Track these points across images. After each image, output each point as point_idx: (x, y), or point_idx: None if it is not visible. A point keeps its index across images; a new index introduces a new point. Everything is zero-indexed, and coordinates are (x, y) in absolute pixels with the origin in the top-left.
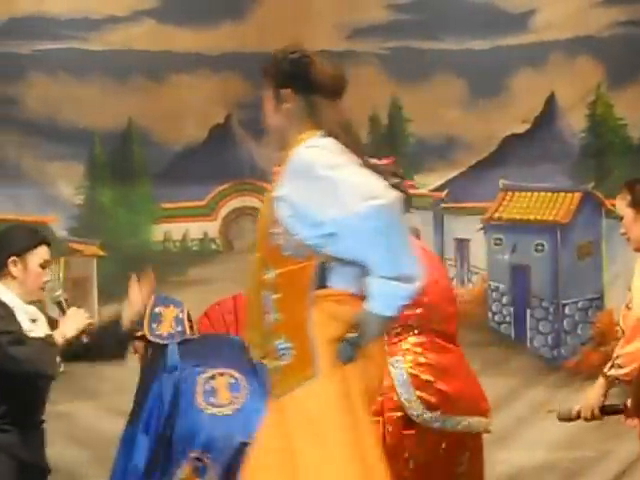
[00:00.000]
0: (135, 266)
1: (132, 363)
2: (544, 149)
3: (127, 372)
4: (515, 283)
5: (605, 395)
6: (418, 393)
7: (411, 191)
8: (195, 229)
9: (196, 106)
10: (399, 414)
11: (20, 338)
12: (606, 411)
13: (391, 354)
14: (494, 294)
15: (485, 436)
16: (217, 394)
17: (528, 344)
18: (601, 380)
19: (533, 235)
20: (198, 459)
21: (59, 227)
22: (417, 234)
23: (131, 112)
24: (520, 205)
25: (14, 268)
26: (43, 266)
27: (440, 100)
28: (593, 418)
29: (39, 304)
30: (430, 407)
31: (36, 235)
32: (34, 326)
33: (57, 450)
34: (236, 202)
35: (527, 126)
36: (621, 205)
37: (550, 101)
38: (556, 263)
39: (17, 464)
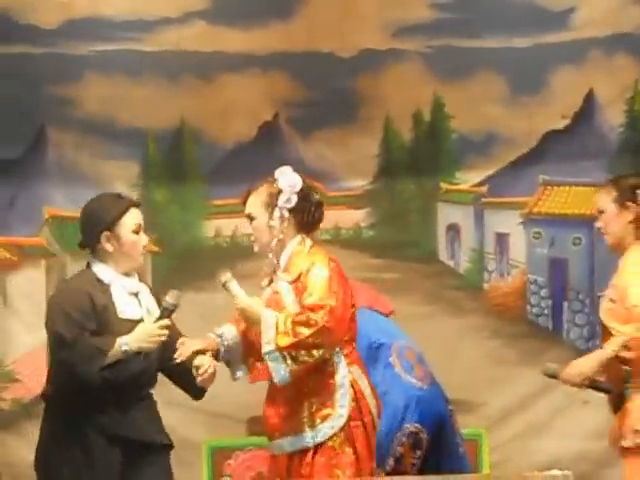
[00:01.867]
0: (188, 261)
1: None
2: (583, 144)
3: None
4: (553, 276)
5: (598, 369)
6: None
7: (452, 187)
8: (244, 225)
9: (245, 105)
10: None
11: (68, 341)
12: (596, 386)
13: None
14: (532, 287)
15: (522, 426)
16: (413, 368)
17: (564, 336)
18: (602, 353)
19: (571, 229)
20: (414, 432)
21: None
22: (457, 229)
23: (183, 111)
24: (559, 200)
25: (107, 243)
26: (136, 231)
27: (481, 97)
28: (575, 383)
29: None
30: None
31: (121, 202)
32: (132, 300)
33: None
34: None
35: (566, 122)
36: (605, 200)
37: (589, 97)
38: (593, 256)
39: (120, 442)
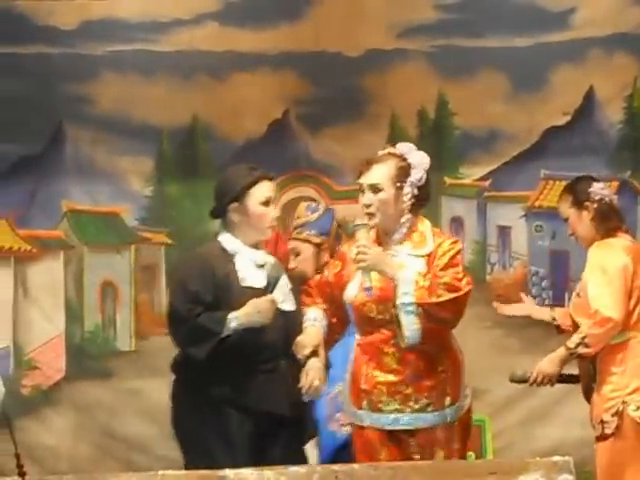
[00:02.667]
0: None
1: None
2: (583, 140)
3: None
4: (554, 268)
5: (561, 367)
6: None
7: (456, 181)
8: None
9: (256, 102)
10: None
11: (180, 317)
12: (562, 379)
13: None
14: (534, 278)
15: (525, 413)
16: None
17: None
18: (563, 352)
19: None
20: None
21: (130, 217)
22: (461, 222)
23: (196, 109)
24: (560, 194)
25: (235, 213)
26: (265, 204)
27: (484, 95)
28: (543, 384)
29: None
30: None
31: (252, 174)
32: (257, 271)
33: (128, 424)
34: (293, 192)
35: (567, 119)
36: (564, 207)
37: (589, 95)
38: None
39: (248, 414)
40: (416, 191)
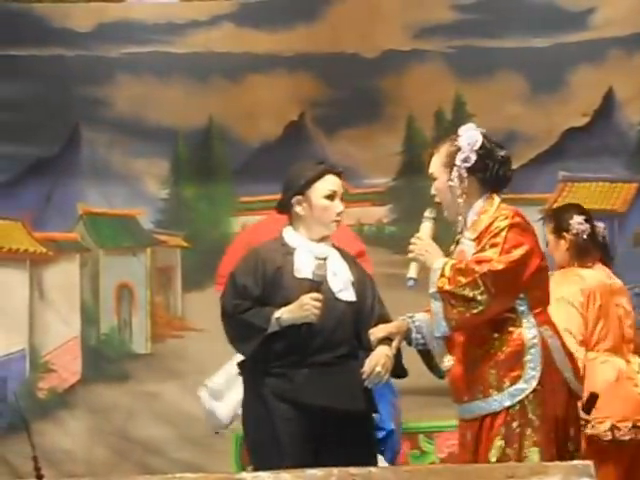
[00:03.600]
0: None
1: (209, 344)
2: (602, 142)
3: (208, 353)
4: None
5: None
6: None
7: None
8: None
9: (272, 104)
10: None
11: (227, 313)
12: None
13: None
14: None
15: None
16: None
17: None
18: None
19: None
20: None
21: (146, 220)
22: None
23: (212, 111)
24: (579, 196)
25: (298, 207)
26: (330, 197)
27: (502, 96)
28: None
29: None
30: None
31: (318, 167)
32: (315, 263)
33: (144, 427)
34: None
35: (586, 120)
36: (547, 231)
37: (608, 95)
38: (613, 250)
39: (299, 408)
40: (465, 173)
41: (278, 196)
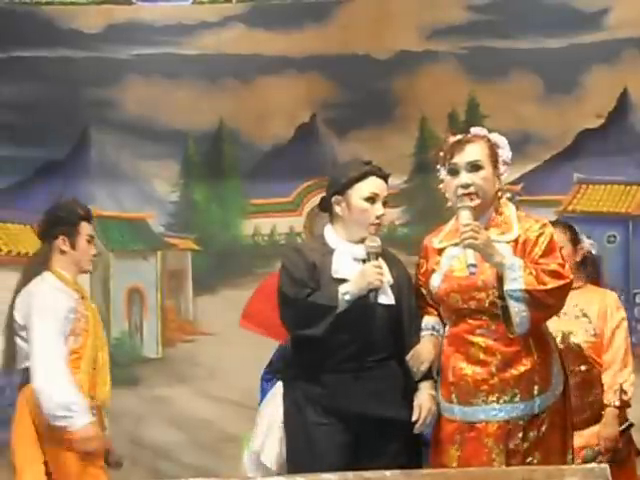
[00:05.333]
0: (227, 259)
1: (220, 349)
2: (617, 143)
3: (219, 358)
4: None
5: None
6: None
7: None
8: (282, 224)
9: (283, 106)
10: None
11: (290, 298)
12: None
13: None
14: None
15: None
16: None
17: None
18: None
19: (606, 226)
20: None
21: (156, 223)
22: None
23: (222, 113)
24: (593, 197)
25: (337, 207)
26: (370, 200)
27: (516, 97)
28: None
29: None
30: None
31: (361, 168)
32: (354, 264)
33: (155, 432)
34: (320, 197)
35: (601, 121)
36: (561, 238)
37: (623, 96)
38: (628, 253)
39: (334, 414)
40: (507, 172)
41: (289, 198)
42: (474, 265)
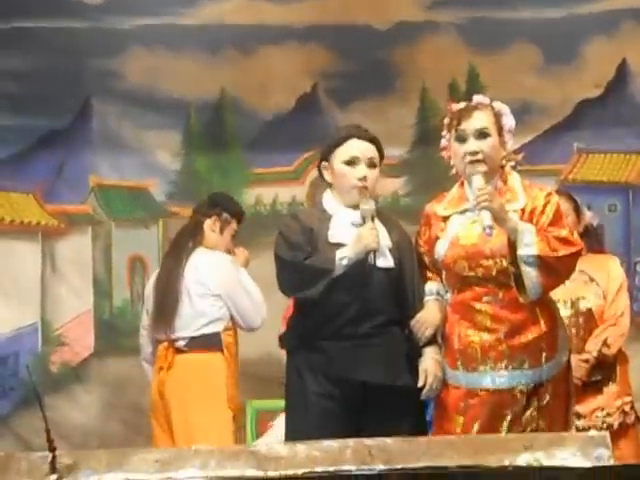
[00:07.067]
0: None
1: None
2: (616, 113)
3: None
4: None
5: None
6: None
7: None
8: (284, 193)
9: (284, 76)
10: None
11: (286, 262)
12: None
13: None
14: None
15: None
16: None
17: None
18: None
19: (606, 196)
20: None
21: (158, 191)
22: None
23: (223, 83)
24: (593, 167)
25: (326, 173)
26: (349, 163)
27: (516, 67)
28: None
29: None
30: None
31: (344, 131)
32: (352, 229)
33: None
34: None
35: (600, 91)
36: (565, 206)
37: (622, 67)
38: (628, 222)
39: (334, 382)
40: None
41: (290, 168)
42: (491, 227)
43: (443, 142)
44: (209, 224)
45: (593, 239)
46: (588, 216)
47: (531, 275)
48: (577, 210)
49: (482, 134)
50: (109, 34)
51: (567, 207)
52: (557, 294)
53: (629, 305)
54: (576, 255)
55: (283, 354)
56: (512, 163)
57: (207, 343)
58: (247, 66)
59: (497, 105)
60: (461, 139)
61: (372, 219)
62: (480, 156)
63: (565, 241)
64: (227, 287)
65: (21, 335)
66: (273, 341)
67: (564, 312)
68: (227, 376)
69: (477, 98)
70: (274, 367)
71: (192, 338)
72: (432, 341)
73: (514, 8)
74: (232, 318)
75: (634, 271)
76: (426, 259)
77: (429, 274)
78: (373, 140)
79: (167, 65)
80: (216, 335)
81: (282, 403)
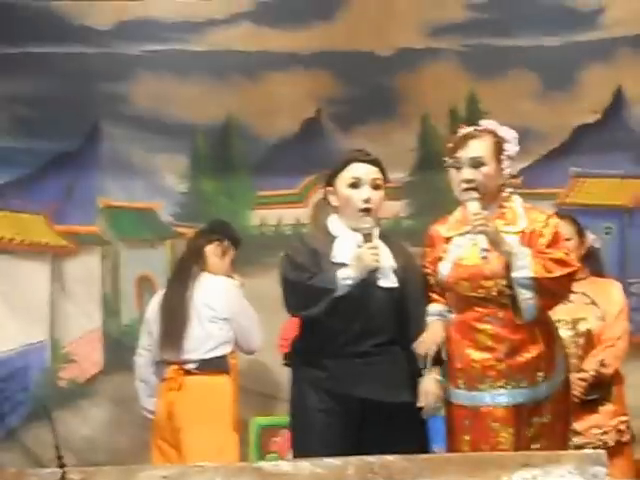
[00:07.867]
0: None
1: None
2: (612, 138)
3: None
4: None
5: None
6: None
7: None
8: (288, 215)
9: (289, 102)
10: None
11: (290, 281)
12: None
13: None
14: None
15: None
16: None
17: None
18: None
19: (602, 219)
20: None
21: (165, 213)
22: None
23: (230, 108)
24: (590, 191)
25: (332, 198)
26: (352, 185)
27: (515, 93)
28: None
29: None
30: None
31: (345, 157)
32: (354, 251)
33: None
34: None
35: (597, 117)
36: (569, 230)
37: (618, 93)
38: (624, 245)
39: (335, 399)
40: (511, 167)
41: (295, 191)
42: (487, 250)
43: (447, 166)
44: (211, 249)
45: (595, 262)
46: (590, 239)
47: (525, 297)
48: (580, 233)
49: (477, 163)
50: (118, 60)
51: (570, 230)
52: (558, 315)
53: (628, 329)
54: (571, 275)
55: (281, 371)
56: (510, 189)
57: (216, 366)
58: (253, 91)
59: (502, 131)
60: (456, 167)
61: (372, 239)
62: (474, 184)
63: (560, 262)
64: (234, 311)
65: (30, 351)
66: (269, 358)
67: (565, 333)
68: (233, 398)
69: (484, 123)
70: (278, 385)
71: (202, 361)
72: (434, 361)
73: (513, 36)
74: (236, 341)
75: (629, 292)
76: (431, 279)
77: (434, 295)
78: (375, 162)
79: (174, 90)
80: (224, 358)
81: (286, 420)
